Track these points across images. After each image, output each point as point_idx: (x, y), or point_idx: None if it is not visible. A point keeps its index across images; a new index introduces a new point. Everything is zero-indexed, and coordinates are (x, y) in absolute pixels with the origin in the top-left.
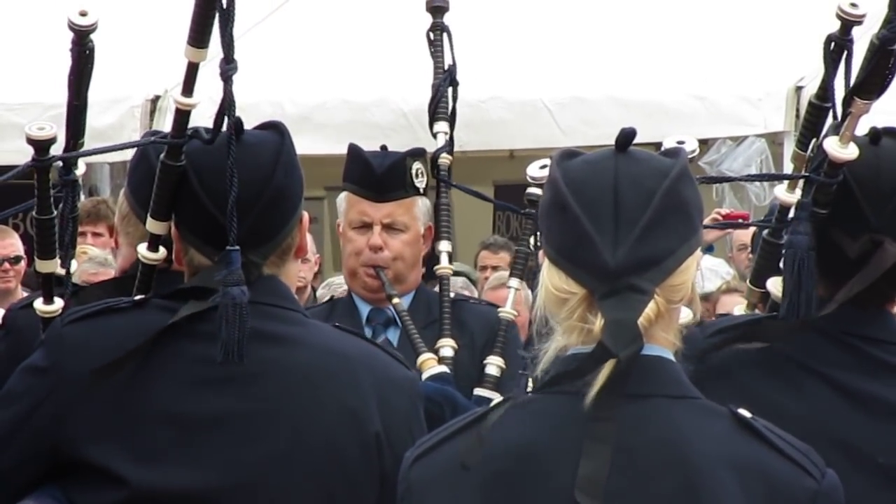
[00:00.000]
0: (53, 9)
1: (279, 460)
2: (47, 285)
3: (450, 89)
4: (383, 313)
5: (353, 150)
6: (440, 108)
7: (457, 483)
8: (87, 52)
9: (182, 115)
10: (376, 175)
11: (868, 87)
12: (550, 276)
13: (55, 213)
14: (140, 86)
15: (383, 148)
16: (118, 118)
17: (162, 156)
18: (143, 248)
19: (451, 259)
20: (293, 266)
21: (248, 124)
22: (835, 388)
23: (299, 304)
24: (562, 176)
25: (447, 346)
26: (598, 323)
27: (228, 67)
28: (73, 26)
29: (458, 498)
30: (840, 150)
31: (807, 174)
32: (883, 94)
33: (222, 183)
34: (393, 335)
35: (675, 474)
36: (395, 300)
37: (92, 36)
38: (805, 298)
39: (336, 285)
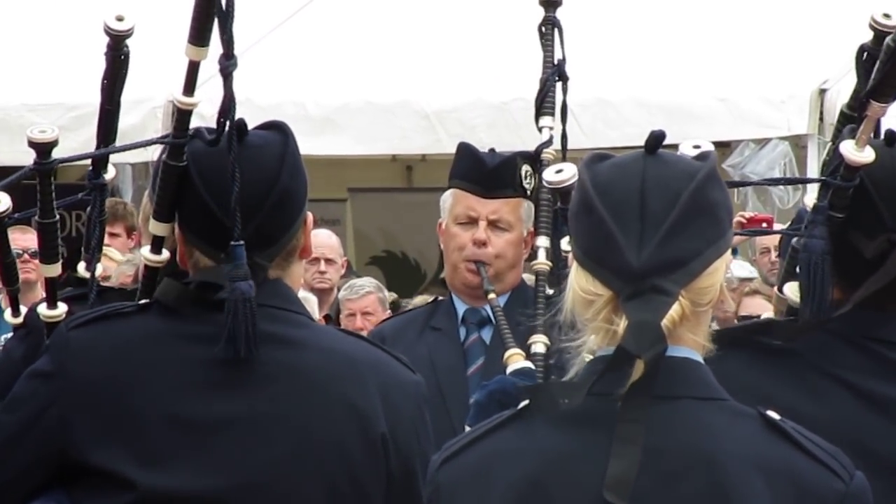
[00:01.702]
0: (75, 10)
1: (287, 462)
2: (51, 290)
3: (559, 85)
4: (478, 313)
5: (464, 147)
6: (546, 102)
7: (485, 486)
8: (123, 56)
9: (183, 115)
10: (487, 169)
11: (884, 90)
12: (578, 277)
13: (57, 216)
14: (162, 86)
15: (491, 150)
16: (140, 119)
17: (164, 156)
18: (145, 251)
19: (549, 256)
20: (297, 267)
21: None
22: (854, 393)
23: (304, 307)
24: (590, 178)
25: (539, 343)
26: (621, 324)
27: (228, 63)
28: (109, 31)
29: (486, 501)
30: (856, 153)
31: (823, 178)
32: None
33: (226, 184)
34: (487, 335)
35: (703, 475)
36: (491, 296)
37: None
38: (820, 302)
39: (358, 287)
